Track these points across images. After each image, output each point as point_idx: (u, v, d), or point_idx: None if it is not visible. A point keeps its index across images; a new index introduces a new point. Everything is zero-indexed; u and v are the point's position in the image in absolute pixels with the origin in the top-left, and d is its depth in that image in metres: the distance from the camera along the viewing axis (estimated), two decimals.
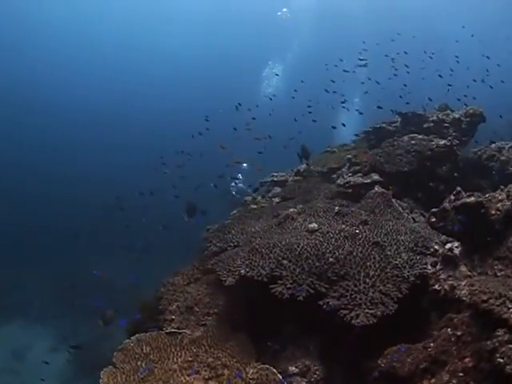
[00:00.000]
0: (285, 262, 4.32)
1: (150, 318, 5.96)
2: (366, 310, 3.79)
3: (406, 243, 4.47)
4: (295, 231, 5.04)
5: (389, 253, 4.35)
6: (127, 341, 4.76)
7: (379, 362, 3.59)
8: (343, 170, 7.29)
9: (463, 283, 3.92)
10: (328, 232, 4.65)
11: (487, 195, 4.49)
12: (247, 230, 5.80)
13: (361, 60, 12.23)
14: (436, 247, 4.37)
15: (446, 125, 6.41)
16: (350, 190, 5.96)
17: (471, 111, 6.26)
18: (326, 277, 4.10)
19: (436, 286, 4.05)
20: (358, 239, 4.51)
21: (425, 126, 6.78)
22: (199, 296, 5.47)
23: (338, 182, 6.12)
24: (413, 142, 6.07)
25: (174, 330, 4.93)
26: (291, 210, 5.95)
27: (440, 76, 7.83)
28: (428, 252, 4.36)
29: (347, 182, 5.86)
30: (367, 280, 4.04)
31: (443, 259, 4.19)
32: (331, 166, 7.73)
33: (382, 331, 3.79)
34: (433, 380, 3.35)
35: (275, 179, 8.56)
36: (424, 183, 5.86)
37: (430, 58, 10.68)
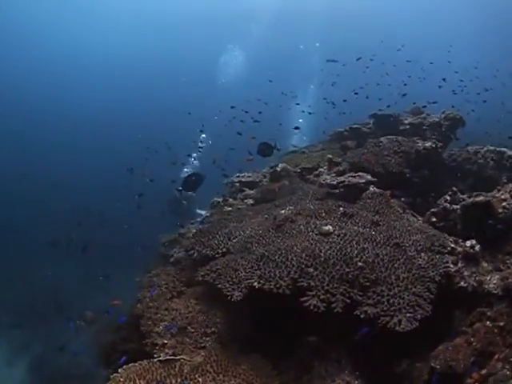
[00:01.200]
0: (310, 270, 3.87)
1: (127, 340, 5.04)
2: (407, 315, 3.53)
3: (422, 243, 4.34)
4: (303, 235, 4.62)
5: (410, 253, 4.17)
6: (115, 375, 3.84)
7: (432, 364, 3.38)
8: (321, 169, 7.10)
9: (490, 278, 3.92)
10: (345, 234, 4.32)
11: (490, 195, 4.59)
12: (236, 235, 5.22)
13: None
14: (452, 245, 4.31)
15: (424, 128, 6.60)
16: (340, 190, 5.74)
17: (451, 115, 6.53)
18: (358, 283, 3.75)
19: (462, 283, 3.96)
20: (378, 241, 4.27)
21: (401, 128, 6.92)
22: (191, 313, 4.72)
23: (328, 181, 5.86)
24: (397, 143, 6.10)
25: (169, 357, 4.14)
26: (285, 211, 5.54)
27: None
28: (445, 251, 4.28)
29: (341, 182, 5.62)
30: (399, 283, 3.79)
31: (464, 257, 4.14)
32: (305, 166, 7.51)
33: (407, 335, 3.60)
34: (484, 371, 3.30)
35: (243, 180, 8.08)
36: (410, 184, 5.90)
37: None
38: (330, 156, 6.87)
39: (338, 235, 4.33)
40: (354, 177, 5.69)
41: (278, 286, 3.88)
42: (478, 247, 4.15)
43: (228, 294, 4.16)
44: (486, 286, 3.86)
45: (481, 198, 4.46)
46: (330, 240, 4.26)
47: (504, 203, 4.38)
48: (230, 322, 4.47)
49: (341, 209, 4.95)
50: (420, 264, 4.04)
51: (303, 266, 3.90)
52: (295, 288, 3.81)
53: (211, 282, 4.50)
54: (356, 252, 4.01)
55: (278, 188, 6.62)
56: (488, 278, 3.94)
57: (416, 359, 3.72)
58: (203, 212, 8.45)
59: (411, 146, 5.97)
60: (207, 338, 4.40)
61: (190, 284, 5.28)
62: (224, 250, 5.04)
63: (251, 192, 7.40)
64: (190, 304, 4.86)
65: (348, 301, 3.60)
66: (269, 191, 6.75)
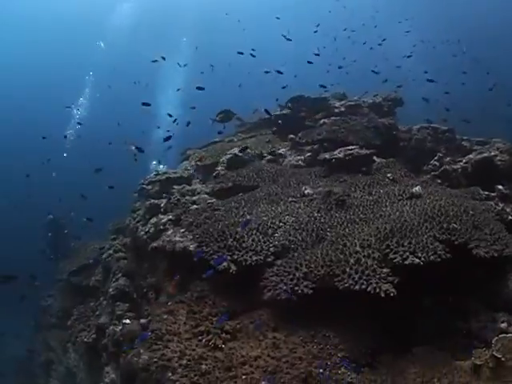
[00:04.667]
0: (455, 225, 3.77)
1: None
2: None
3: (470, 195, 4.72)
4: (394, 202, 4.28)
5: (471, 203, 4.44)
6: None
7: None
8: (281, 151, 6.56)
9: None
10: (431, 193, 4.24)
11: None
12: (290, 231, 4.18)
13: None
14: (481, 192, 4.86)
15: (365, 108, 7.12)
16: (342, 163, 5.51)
17: (392, 96, 7.27)
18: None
19: (510, 217, 4.48)
20: (453, 195, 4.39)
21: (337, 110, 7.23)
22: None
23: (325, 157, 5.51)
24: (365, 119, 6.39)
25: None
26: (311, 190, 4.82)
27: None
28: (483, 197, 4.77)
29: (349, 154, 5.39)
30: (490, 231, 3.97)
31: (500, 198, 4.74)
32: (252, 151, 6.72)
33: None
34: None
35: (170, 176, 6.49)
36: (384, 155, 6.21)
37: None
38: (292, 136, 6.46)
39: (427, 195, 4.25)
40: (351, 150, 5.58)
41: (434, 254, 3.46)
42: (504, 189, 4.83)
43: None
44: None
45: (484, 155, 5.23)
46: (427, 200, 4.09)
47: (498, 157, 5.27)
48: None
49: (388, 175, 4.80)
50: (482, 208, 4.37)
51: (445, 225, 3.62)
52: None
53: None
54: (456, 208, 4.00)
55: (255, 173, 5.64)
56: None
57: None
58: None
59: (377, 121, 6.39)
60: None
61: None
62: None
63: (212, 182, 6.02)
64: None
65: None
66: (244, 178, 5.64)
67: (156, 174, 6.66)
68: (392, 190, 4.60)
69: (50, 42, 26.24)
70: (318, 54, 9.20)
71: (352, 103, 7.26)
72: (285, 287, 3.52)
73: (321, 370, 3.19)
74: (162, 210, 5.81)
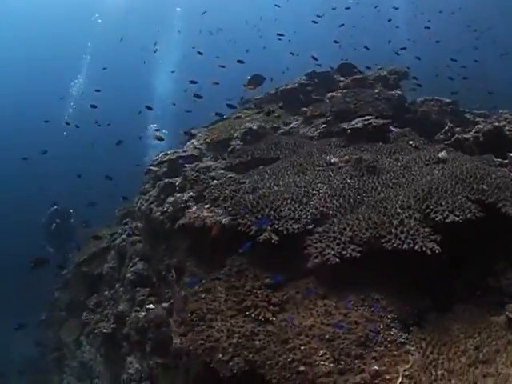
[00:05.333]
0: (484, 187, 3.82)
1: None
2: None
3: (486, 162, 4.77)
4: (423, 169, 4.28)
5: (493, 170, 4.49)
6: None
7: None
8: (294, 124, 6.45)
9: None
10: (455, 158, 4.24)
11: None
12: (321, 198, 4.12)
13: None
14: (494, 159, 4.93)
15: (371, 81, 7.09)
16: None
17: (396, 70, 7.25)
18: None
19: None
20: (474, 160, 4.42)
21: (342, 84, 7.18)
22: None
23: (343, 127, 5.49)
24: (376, 91, 6.36)
25: None
26: (337, 158, 4.76)
27: None
28: (495, 164, 4.84)
29: (368, 124, 5.36)
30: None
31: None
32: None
33: None
34: None
35: (180, 155, 6.32)
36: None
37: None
38: (304, 109, 6.37)
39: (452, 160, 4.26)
40: (368, 120, 5.55)
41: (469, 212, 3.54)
42: None
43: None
44: None
45: (495, 124, 5.30)
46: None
47: (507, 127, 5.36)
48: None
49: (411, 142, 4.77)
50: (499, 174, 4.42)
51: (475, 186, 3.74)
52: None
53: None
54: (481, 172, 4.06)
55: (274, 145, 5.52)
56: None
57: None
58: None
59: (388, 93, 6.36)
60: None
61: None
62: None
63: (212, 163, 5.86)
64: None
65: None
66: (263, 150, 5.52)
67: (165, 154, 6.45)
68: (418, 156, 4.59)
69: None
70: (319, 16, 9.17)
71: (358, 77, 7.22)
72: (332, 252, 3.46)
73: (376, 333, 3.16)
74: (177, 188, 5.65)
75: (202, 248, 4.67)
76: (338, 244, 3.52)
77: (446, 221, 3.60)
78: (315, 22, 9.34)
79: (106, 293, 6.32)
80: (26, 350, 8.98)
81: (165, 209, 5.37)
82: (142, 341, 5.04)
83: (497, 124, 5.40)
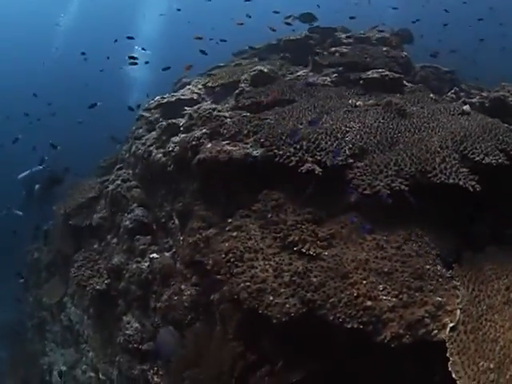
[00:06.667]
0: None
1: None
2: None
3: None
4: (451, 118, 4.22)
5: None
6: None
7: None
8: (302, 72, 6.15)
9: None
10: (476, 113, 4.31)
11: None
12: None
13: None
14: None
15: (374, 41, 6.95)
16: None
17: (400, 32, 7.14)
18: None
19: None
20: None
21: (345, 40, 7.00)
22: None
23: (360, 76, 5.35)
24: (384, 49, 6.26)
25: None
26: (361, 102, 4.58)
27: None
28: None
29: (385, 75, 5.23)
30: None
31: None
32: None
33: None
34: None
35: (181, 98, 5.84)
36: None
37: None
38: (315, 57, 6.10)
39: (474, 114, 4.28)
40: (383, 72, 5.42)
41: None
42: None
43: None
44: None
45: (501, 93, 5.40)
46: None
47: (509, 98, 5.49)
48: None
49: (431, 95, 4.75)
50: None
51: (500, 138, 3.81)
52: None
53: None
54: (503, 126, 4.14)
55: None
56: None
57: None
58: None
59: (394, 52, 6.28)
60: None
61: None
62: None
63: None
64: None
65: None
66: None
67: (162, 97, 5.89)
68: (442, 107, 4.54)
69: None
70: None
71: (361, 35, 7.08)
72: (382, 183, 3.29)
73: (430, 267, 3.08)
74: (181, 129, 5.17)
75: (217, 188, 4.31)
76: (385, 177, 3.36)
77: (484, 162, 3.61)
78: None
79: (96, 246, 5.70)
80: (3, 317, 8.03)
81: (170, 148, 4.89)
82: (146, 295, 4.57)
83: (503, 93, 5.53)
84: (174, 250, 4.89)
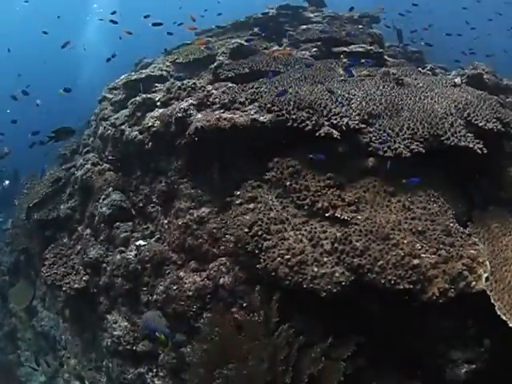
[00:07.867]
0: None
1: None
2: None
3: None
4: (446, 89, 4.21)
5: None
6: None
7: None
8: (276, 47, 5.86)
9: None
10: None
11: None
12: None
13: None
14: None
15: (345, 20, 6.87)
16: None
17: (371, 13, 7.10)
18: None
19: None
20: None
21: (316, 19, 6.87)
22: None
23: (343, 50, 5.21)
24: (360, 27, 6.24)
25: None
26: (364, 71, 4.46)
27: None
28: None
29: (369, 50, 5.14)
30: None
31: None
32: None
33: None
34: None
35: (150, 74, 5.33)
36: None
37: None
38: (291, 33, 5.87)
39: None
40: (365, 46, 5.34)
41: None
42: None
43: None
44: None
45: (478, 71, 5.57)
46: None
47: (485, 76, 5.70)
48: None
49: (419, 68, 4.75)
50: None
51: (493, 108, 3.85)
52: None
53: None
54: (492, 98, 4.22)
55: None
56: None
57: None
58: None
59: (371, 31, 6.27)
60: None
61: None
62: None
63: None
64: None
65: None
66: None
67: (129, 75, 5.28)
68: (435, 79, 4.57)
69: None
70: None
71: (331, 14, 6.99)
72: (401, 146, 3.13)
73: (453, 225, 2.99)
74: (158, 104, 4.64)
75: (209, 162, 3.89)
76: (403, 139, 3.22)
77: (486, 127, 3.64)
78: None
79: (66, 240, 4.93)
80: None
81: (149, 124, 4.34)
82: (134, 289, 3.99)
83: (479, 71, 5.73)
84: (157, 235, 4.38)
